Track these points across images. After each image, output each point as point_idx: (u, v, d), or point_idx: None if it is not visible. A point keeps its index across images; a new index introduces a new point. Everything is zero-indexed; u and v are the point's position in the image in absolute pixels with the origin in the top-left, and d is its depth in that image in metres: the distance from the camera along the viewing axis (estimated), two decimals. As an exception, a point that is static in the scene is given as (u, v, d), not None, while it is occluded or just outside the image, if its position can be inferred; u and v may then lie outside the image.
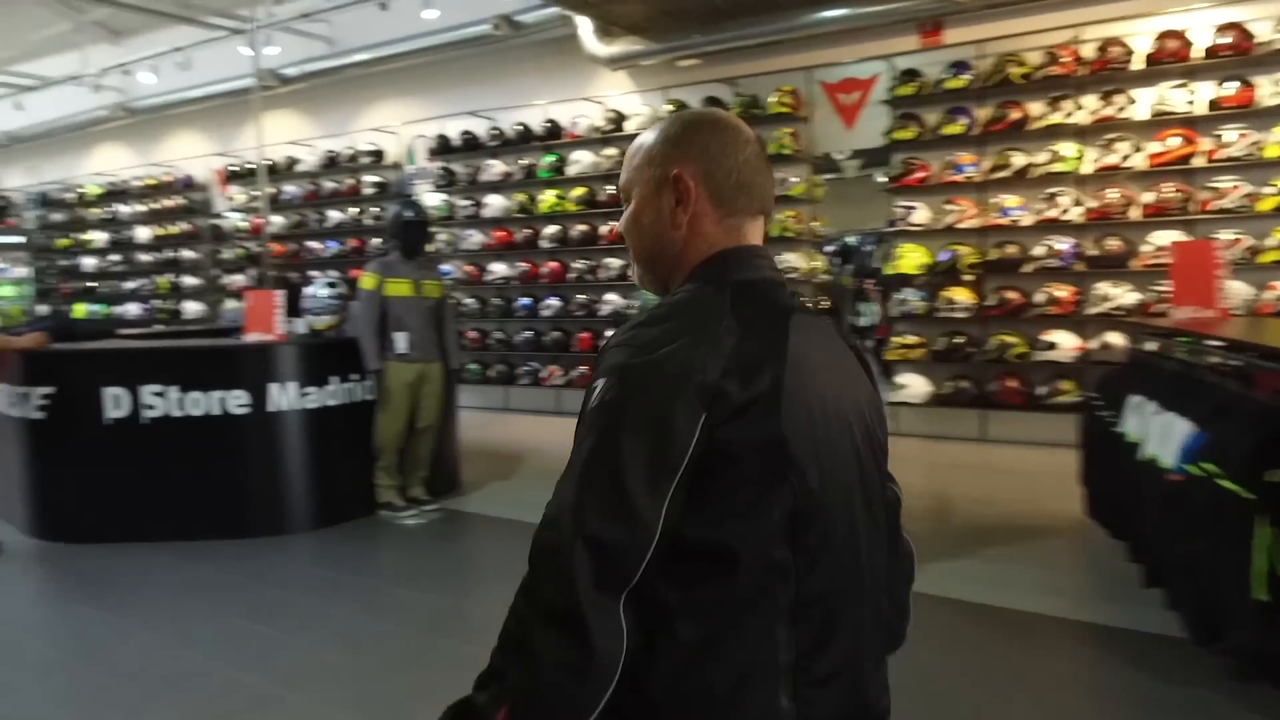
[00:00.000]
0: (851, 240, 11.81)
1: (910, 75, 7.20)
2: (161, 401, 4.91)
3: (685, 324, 1.03)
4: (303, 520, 5.22)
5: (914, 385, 7.16)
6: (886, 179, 7.54)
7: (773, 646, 1.02)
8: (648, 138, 1.19)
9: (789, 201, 7.76)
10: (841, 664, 1.08)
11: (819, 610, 1.05)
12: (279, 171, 10.90)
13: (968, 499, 5.62)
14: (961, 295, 6.98)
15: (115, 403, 4.89)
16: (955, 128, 7.00)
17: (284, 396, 5.06)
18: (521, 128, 9.07)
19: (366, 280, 5.27)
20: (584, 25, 8.03)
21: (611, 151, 8.57)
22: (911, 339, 7.22)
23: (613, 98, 8.73)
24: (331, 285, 5.59)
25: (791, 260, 7.73)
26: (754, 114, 7.73)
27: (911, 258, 7.16)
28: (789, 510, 1.02)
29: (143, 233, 12.36)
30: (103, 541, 4.91)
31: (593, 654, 0.96)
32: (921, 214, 7.17)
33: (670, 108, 8.14)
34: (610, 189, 8.58)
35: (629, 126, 8.48)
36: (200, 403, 4.93)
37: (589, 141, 8.73)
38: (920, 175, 7.17)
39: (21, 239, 7.88)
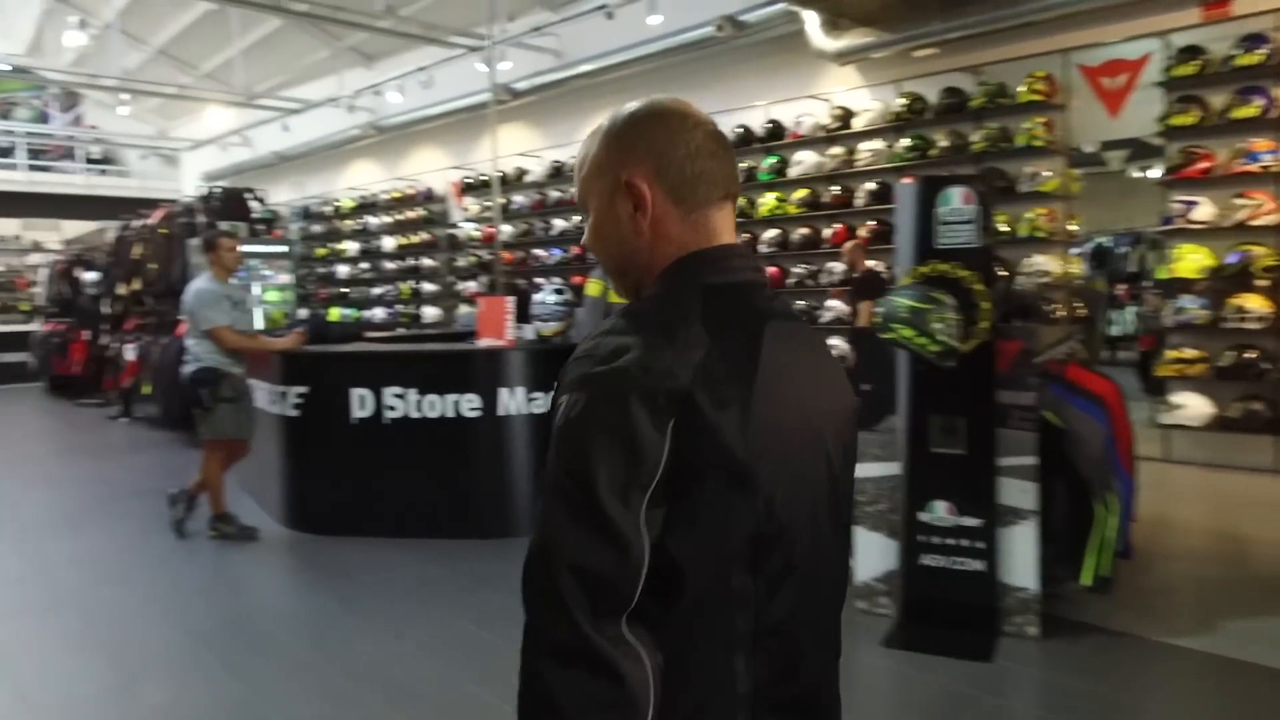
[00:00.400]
0: (1105, 241, 10.68)
1: (1191, 52, 6.30)
2: (401, 403, 5.11)
3: (651, 331, 0.97)
4: (528, 524, 5.27)
5: (1192, 406, 6.25)
6: (1161, 171, 6.64)
7: (731, 675, 0.99)
8: (592, 144, 1.10)
9: (1040, 199, 7.04)
10: (800, 689, 1.05)
11: (779, 640, 1.02)
12: (509, 182, 11.35)
13: (1267, 543, 4.77)
14: (1254, 303, 6.01)
15: (361, 403, 5.15)
16: (1249, 110, 6.04)
17: (513, 401, 5.13)
18: (742, 130, 8.86)
19: (592, 286, 5.25)
20: (811, 20, 7.70)
21: (837, 151, 8.18)
22: (1190, 353, 6.30)
23: (839, 94, 8.33)
24: (559, 292, 5.63)
25: (1044, 264, 6.99)
26: (1001, 103, 7.09)
27: (1191, 260, 6.26)
28: (751, 534, 0.97)
29: (388, 242, 13.31)
30: (346, 534, 5.18)
31: (622, 683, 0.90)
32: (1205, 210, 6.25)
33: (904, 101, 7.65)
34: (835, 189, 8.19)
35: (856, 123, 8.05)
36: (436, 405, 5.09)
37: (813, 141, 8.38)
38: (1204, 166, 6.25)
39: (285, 249, 8.60)
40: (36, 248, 16.38)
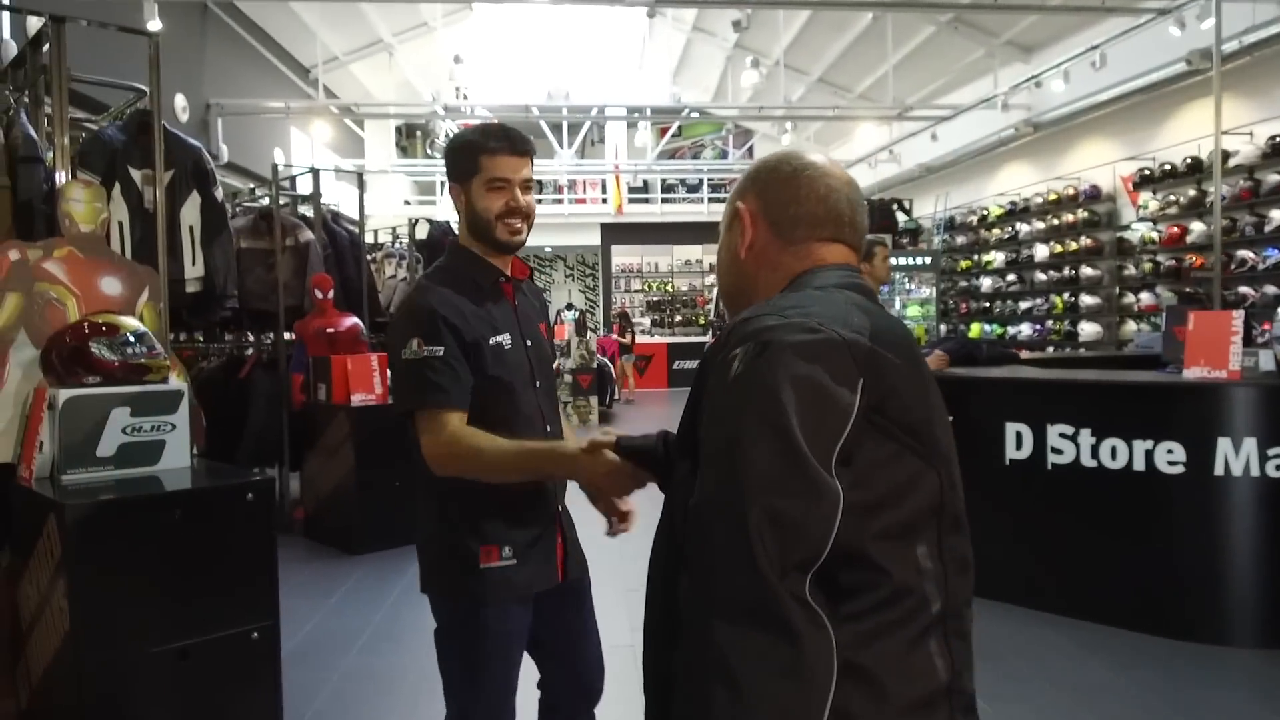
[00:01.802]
0: None
1: None
2: (1070, 445, 4.04)
3: (814, 301, 1.01)
4: (1249, 631, 3.75)
5: None
6: None
7: (930, 665, 0.92)
8: None
9: None
10: (973, 689, 0.98)
11: (960, 629, 0.96)
12: (1202, 169, 9.15)
13: None
14: None
15: (1017, 441, 4.21)
16: None
17: (1238, 458, 3.68)
18: None
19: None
20: None
21: None
22: None
23: None
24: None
25: None
26: None
27: None
28: (934, 506, 0.95)
29: (1040, 250, 11.92)
30: (988, 597, 4.29)
31: (801, 647, 0.82)
32: None
33: None
34: None
35: None
36: (1119, 453, 3.90)
37: None
38: None
39: (928, 260, 8.01)
40: (711, 270, 18.75)
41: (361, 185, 7.86)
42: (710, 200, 20.06)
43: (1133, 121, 10.36)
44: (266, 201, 7.01)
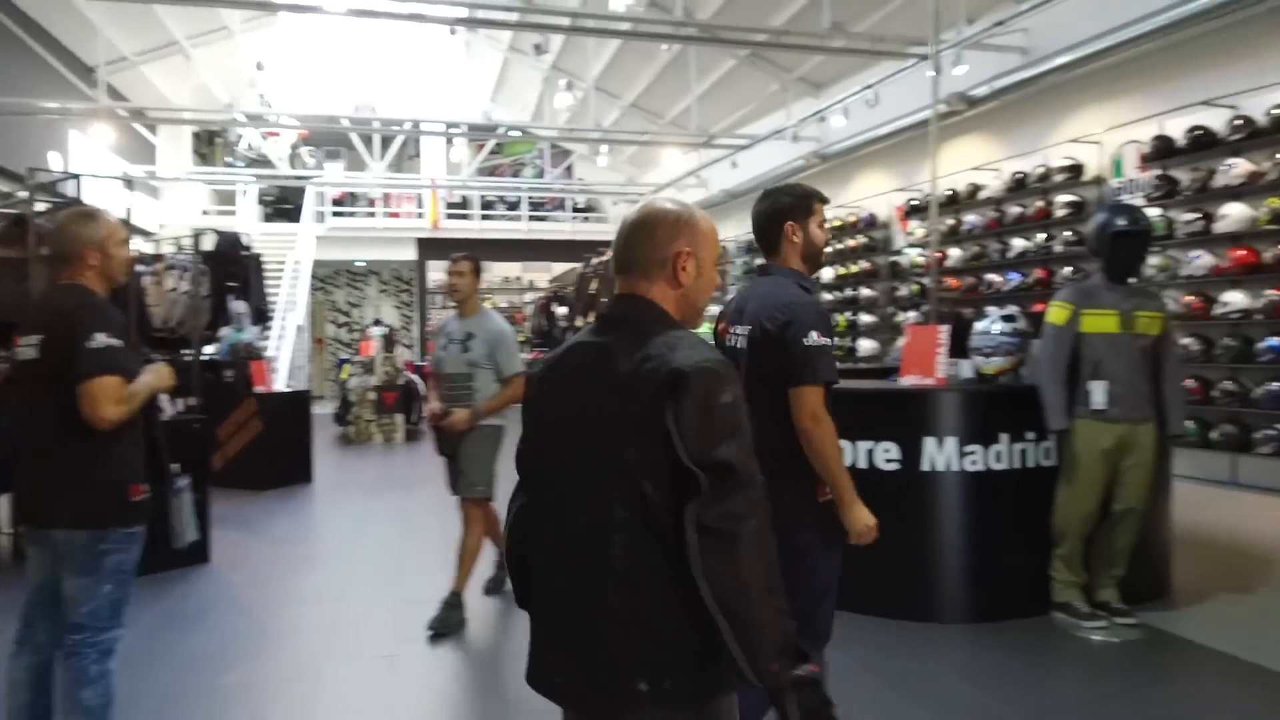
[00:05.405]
0: None
1: None
2: (807, 447, 4.42)
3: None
4: (956, 608, 4.23)
5: None
6: None
7: None
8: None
9: None
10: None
11: None
12: (959, 201, 10.17)
13: None
14: None
15: (764, 444, 4.57)
16: None
17: (941, 455, 4.16)
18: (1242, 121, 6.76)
19: (1055, 312, 4.08)
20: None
21: None
22: None
23: None
24: (1009, 319, 4.51)
25: None
26: None
27: None
28: None
29: (826, 273, 12.81)
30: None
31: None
32: None
33: None
34: None
35: None
36: (846, 454, 4.31)
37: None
38: None
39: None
40: (531, 287, 18.86)
41: (131, 189, 7.41)
42: (531, 218, 20.20)
43: (906, 155, 11.33)
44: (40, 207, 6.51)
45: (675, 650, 1.46)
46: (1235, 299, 7.04)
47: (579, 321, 10.54)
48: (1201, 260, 7.34)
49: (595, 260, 10.27)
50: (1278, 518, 6.14)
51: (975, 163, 10.20)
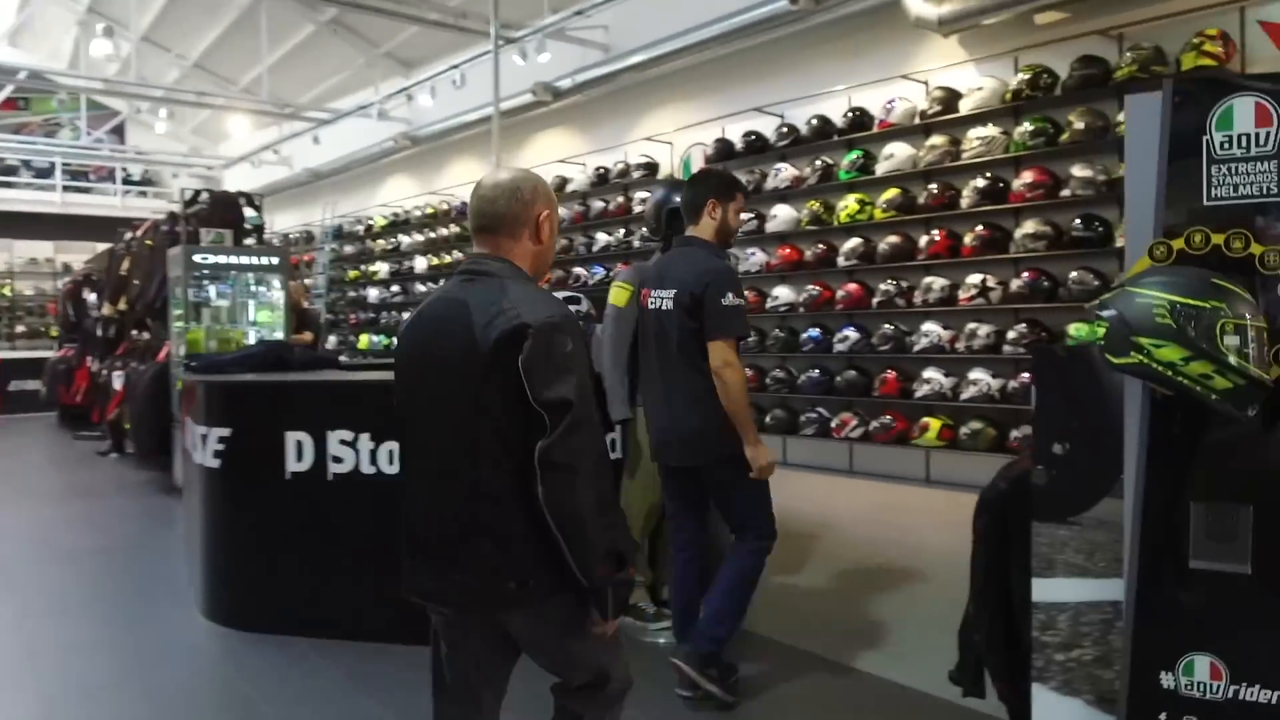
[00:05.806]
0: None
1: None
2: (350, 452, 3.72)
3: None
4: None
5: None
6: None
7: None
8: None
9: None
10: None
11: None
12: (565, 190, 10.07)
13: None
14: None
15: (299, 452, 3.76)
16: None
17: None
18: (818, 122, 7.41)
19: (616, 293, 3.79)
20: (908, -19, 6.25)
21: (937, 141, 6.63)
22: None
23: (940, 73, 6.81)
24: (573, 302, 4.20)
25: None
26: (1157, 71, 5.49)
27: None
28: None
29: (420, 263, 12.13)
30: (279, 633, 3.78)
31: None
32: None
33: (1025, 76, 6.09)
34: (933, 188, 6.63)
35: (963, 106, 6.50)
36: (395, 456, 3.68)
37: (907, 131, 6.86)
38: None
39: (275, 260, 7.38)
40: (66, 270, 15.67)
41: None
42: (67, 189, 16.85)
43: (501, 141, 11.00)
44: None
45: (534, 557, 1.74)
46: (783, 293, 7.62)
47: (106, 309, 8.68)
48: (756, 257, 7.87)
49: (129, 236, 8.53)
50: (820, 495, 6.67)
51: (562, 155, 10.18)
